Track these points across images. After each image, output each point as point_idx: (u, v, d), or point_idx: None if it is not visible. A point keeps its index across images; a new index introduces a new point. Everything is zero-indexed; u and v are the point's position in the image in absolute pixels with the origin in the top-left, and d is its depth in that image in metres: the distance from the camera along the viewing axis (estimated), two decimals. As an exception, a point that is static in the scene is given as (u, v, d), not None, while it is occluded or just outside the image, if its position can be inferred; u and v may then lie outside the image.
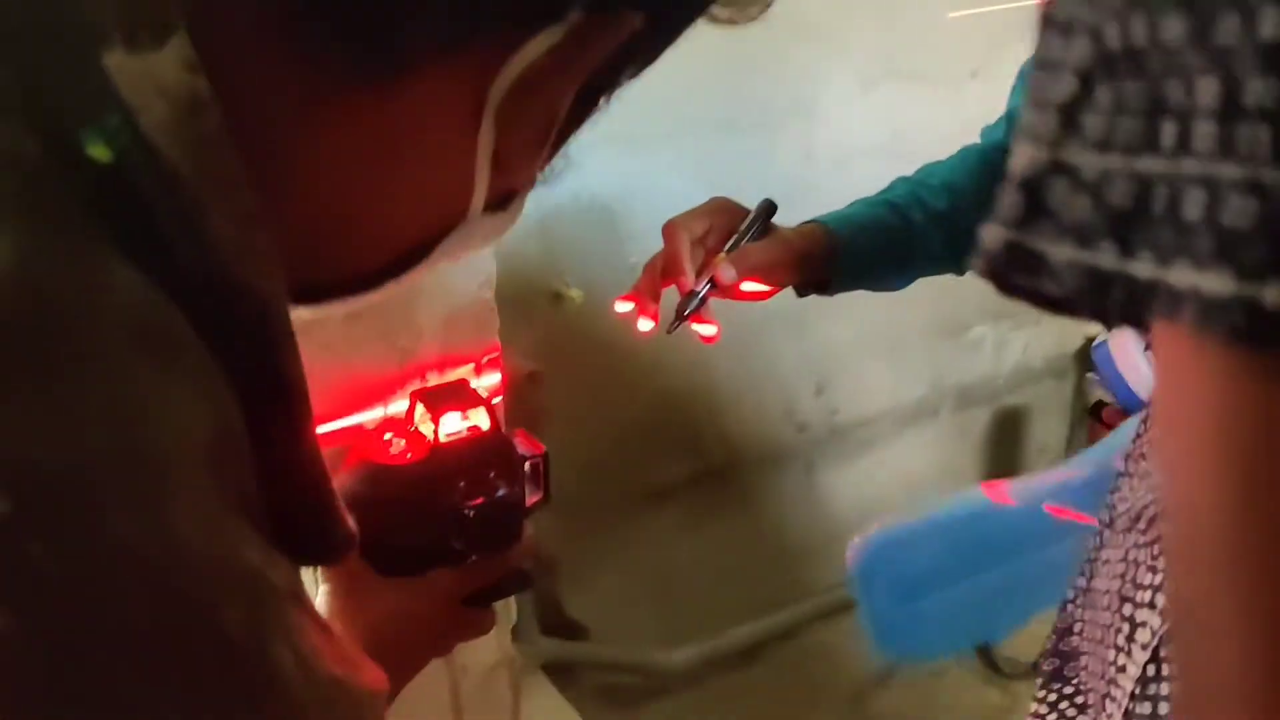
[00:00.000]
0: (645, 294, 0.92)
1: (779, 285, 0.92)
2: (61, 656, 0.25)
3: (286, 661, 0.30)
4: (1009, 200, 0.24)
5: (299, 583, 0.33)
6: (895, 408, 1.92)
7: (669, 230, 0.91)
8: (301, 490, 0.36)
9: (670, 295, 0.90)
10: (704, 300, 0.91)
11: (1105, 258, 0.22)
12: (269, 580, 0.31)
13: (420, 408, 0.71)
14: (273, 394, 0.34)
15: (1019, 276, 0.24)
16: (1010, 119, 1.01)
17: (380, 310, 0.75)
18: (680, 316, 0.92)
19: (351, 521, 0.39)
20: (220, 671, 0.29)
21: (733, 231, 0.92)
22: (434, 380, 0.79)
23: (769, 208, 0.93)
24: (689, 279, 0.89)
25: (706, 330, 0.91)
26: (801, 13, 1.54)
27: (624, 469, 1.67)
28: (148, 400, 0.28)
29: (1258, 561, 0.22)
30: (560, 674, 1.61)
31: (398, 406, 0.74)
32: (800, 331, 1.75)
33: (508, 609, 0.87)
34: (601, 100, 0.42)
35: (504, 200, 0.42)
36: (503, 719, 0.87)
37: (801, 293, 0.95)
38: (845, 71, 1.66)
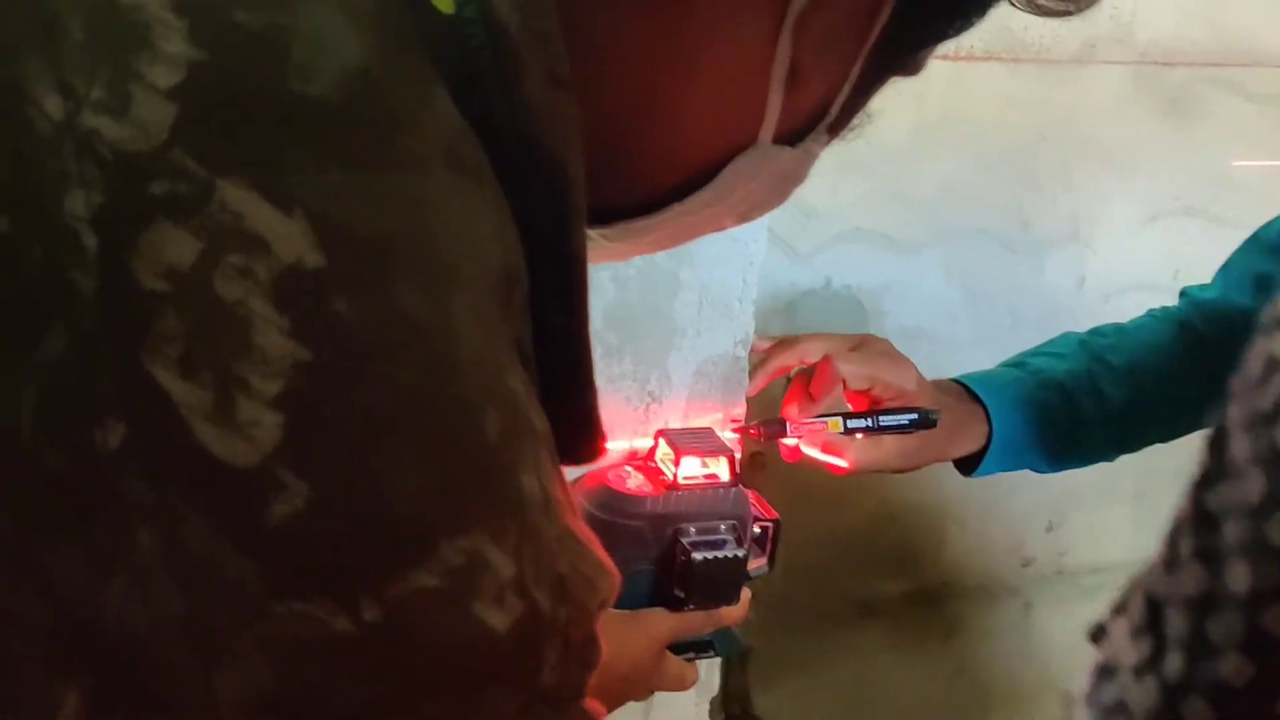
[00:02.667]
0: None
1: (903, 466, 0.83)
2: (341, 388, 0.27)
3: (534, 491, 0.30)
4: None
5: (553, 440, 0.33)
6: (1132, 559, 1.77)
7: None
8: (568, 375, 0.36)
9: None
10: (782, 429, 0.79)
11: None
12: (529, 415, 0.31)
13: (663, 445, 0.71)
14: (560, 269, 0.34)
15: None
16: (1226, 275, 0.89)
17: (637, 352, 0.76)
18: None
19: (605, 432, 0.38)
20: (468, 468, 0.29)
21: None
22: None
23: (928, 424, 0.80)
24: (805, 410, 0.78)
25: (836, 461, 0.81)
26: (1091, 133, 1.49)
27: (832, 574, 1.62)
28: (451, 206, 0.30)
29: None
30: (735, 770, 1.56)
31: (640, 443, 0.74)
32: (1040, 462, 1.67)
33: (710, 678, 0.85)
34: (906, 59, 0.41)
35: (796, 135, 0.42)
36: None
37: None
38: (1130, 200, 1.60)
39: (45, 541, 0.25)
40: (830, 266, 1.49)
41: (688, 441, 0.72)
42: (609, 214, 0.41)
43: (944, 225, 1.49)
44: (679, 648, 0.71)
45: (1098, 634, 0.22)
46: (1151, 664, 0.18)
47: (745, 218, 0.46)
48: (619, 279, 0.72)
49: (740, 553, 0.69)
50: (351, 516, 0.27)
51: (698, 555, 0.68)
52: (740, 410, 0.79)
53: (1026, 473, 1.66)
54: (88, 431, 0.25)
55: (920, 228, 1.48)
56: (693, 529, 0.69)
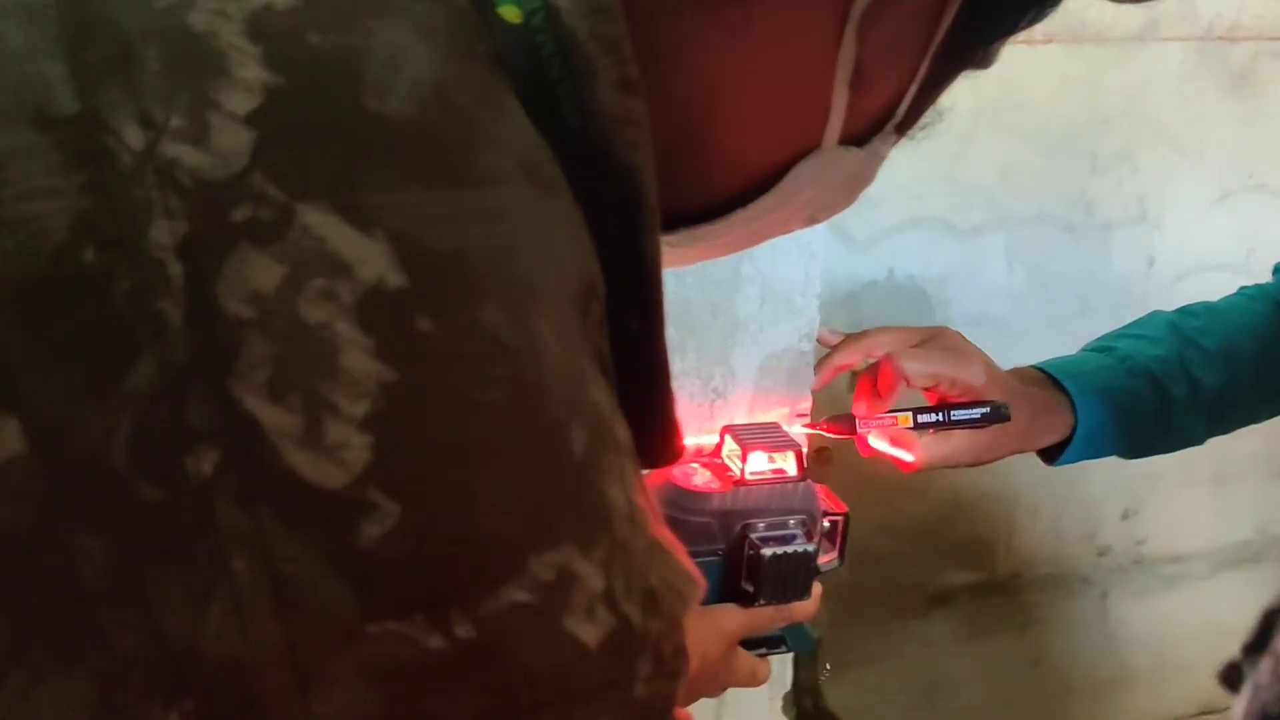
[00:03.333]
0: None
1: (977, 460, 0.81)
2: (428, 407, 0.27)
3: (620, 503, 0.30)
4: None
5: (634, 448, 0.32)
6: (1211, 548, 1.75)
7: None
8: (645, 381, 0.36)
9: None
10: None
11: None
12: (613, 426, 0.31)
13: (729, 441, 0.71)
14: (635, 276, 0.34)
15: None
16: None
17: (700, 349, 0.76)
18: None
19: (682, 437, 0.38)
20: (555, 483, 0.28)
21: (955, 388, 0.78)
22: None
23: (1000, 418, 0.79)
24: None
25: (904, 455, 0.79)
26: (1155, 113, 1.46)
27: (902, 565, 1.61)
28: (530, 219, 0.30)
29: None
30: (809, 764, 1.55)
31: (706, 440, 0.74)
32: (1113, 448, 1.64)
33: (782, 673, 0.85)
34: (976, 53, 0.40)
35: (862, 136, 0.41)
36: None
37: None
38: (1199, 179, 1.56)
39: (143, 570, 0.25)
40: (891, 256, 1.48)
41: (754, 436, 0.71)
42: (673, 220, 0.41)
43: (1005, 210, 1.47)
44: (751, 644, 0.71)
45: (1232, 676, 0.21)
46: None
47: (813, 220, 0.45)
48: (679, 274, 0.72)
49: (810, 547, 0.69)
50: (441, 534, 0.27)
51: (767, 551, 0.68)
52: (806, 405, 0.79)
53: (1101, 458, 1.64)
54: (180, 460, 0.25)
55: (980, 213, 1.46)
56: (761, 524, 0.69)
